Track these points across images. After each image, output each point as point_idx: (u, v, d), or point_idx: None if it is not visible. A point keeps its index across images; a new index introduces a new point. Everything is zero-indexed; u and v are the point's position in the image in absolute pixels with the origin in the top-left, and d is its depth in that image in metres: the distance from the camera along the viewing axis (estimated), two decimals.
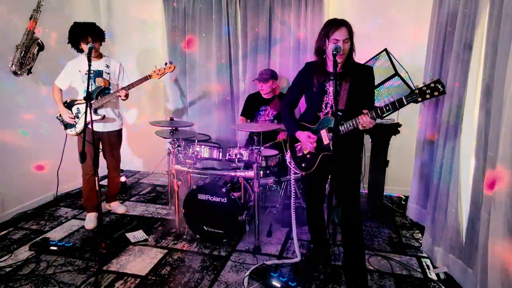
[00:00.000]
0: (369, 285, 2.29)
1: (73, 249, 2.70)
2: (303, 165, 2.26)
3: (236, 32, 3.97)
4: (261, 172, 2.70)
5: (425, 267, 2.51)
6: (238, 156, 2.76)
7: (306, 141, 2.16)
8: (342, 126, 2.02)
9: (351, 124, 1.99)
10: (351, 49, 2.06)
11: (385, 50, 3.07)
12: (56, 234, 3.02)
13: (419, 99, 1.77)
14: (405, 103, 1.81)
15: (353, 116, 1.97)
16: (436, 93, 1.74)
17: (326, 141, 2.12)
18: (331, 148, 2.08)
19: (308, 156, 2.22)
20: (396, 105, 1.83)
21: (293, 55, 3.85)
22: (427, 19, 3.08)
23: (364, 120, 1.91)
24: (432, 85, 1.74)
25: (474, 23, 2.10)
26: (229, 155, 2.81)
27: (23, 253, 2.68)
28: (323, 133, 2.13)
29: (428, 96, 1.76)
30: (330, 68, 2.10)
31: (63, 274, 2.41)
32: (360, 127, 1.95)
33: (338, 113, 2.04)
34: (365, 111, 1.92)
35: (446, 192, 2.37)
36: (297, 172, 2.33)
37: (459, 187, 2.22)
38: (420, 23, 3.26)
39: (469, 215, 2.13)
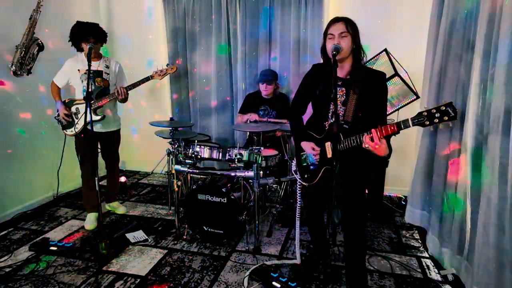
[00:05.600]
0: (369, 285, 2.29)
1: (73, 249, 2.70)
2: (306, 176, 2.15)
3: (236, 32, 3.98)
4: (261, 172, 2.69)
5: (425, 267, 2.51)
6: (238, 156, 2.76)
7: (309, 152, 2.06)
8: (345, 142, 1.89)
9: (354, 140, 1.86)
10: (357, 49, 1.91)
11: (385, 50, 3.07)
12: (56, 234, 3.02)
13: (427, 122, 1.63)
14: (411, 125, 1.68)
15: (360, 130, 1.83)
16: (446, 118, 1.59)
17: (329, 154, 1.99)
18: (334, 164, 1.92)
19: (311, 167, 2.11)
20: (401, 126, 1.71)
21: (293, 55, 3.85)
22: (427, 19, 3.08)
23: (367, 142, 1.76)
24: (443, 108, 1.59)
25: (476, 23, 2.10)
26: (229, 155, 2.81)
27: (23, 253, 2.68)
28: (327, 145, 2.00)
29: (436, 120, 1.61)
30: (339, 73, 1.96)
31: (63, 274, 2.41)
32: (364, 146, 1.80)
33: (344, 126, 1.94)
34: (373, 130, 1.77)
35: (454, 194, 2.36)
36: (302, 182, 2.20)
37: (467, 188, 2.21)
38: (420, 23, 3.26)
39: (471, 215, 2.12)
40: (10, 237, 2.95)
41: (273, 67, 3.91)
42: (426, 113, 1.64)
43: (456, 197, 2.31)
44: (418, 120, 1.66)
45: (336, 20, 1.91)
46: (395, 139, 3.19)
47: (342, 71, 1.99)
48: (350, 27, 1.88)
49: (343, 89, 1.98)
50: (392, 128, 1.73)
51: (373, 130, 1.76)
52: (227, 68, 4.10)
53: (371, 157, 1.88)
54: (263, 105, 3.58)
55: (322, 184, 2.09)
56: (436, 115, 1.61)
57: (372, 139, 1.76)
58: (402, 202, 3.65)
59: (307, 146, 2.07)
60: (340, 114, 1.97)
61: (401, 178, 3.73)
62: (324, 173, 2.05)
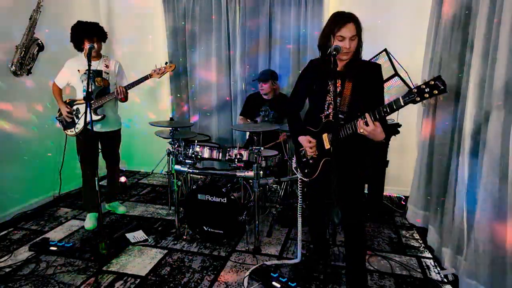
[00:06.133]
0: (369, 285, 2.29)
1: (73, 250, 2.70)
2: (306, 170, 2.15)
3: (236, 32, 3.98)
4: (261, 172, 2.69)
5: (425, 267, 2.51)
6: (238, 156, 2.76)
7: (306, 146, 2.05)
8: (342, 130, 1.89)
9: (349, 128, 1.85)
10: (359, 46, 1.90)
11: (385, 50, 3.07)
12: (56, 234, 3.02)
13: (418, 98, 1.59)
14: (402, 103, 1.64)
15: (355, 119, 1.82)
16: (436, 92, 1.54)
17: (327, 145, 1.99)
18: (332, 153, 1.93)
19: (311, 161, 2.11)
20: (393, 106, 1.67)
21: (293, 55, 3.85)
22: (427, 19, 3.08)
23: (360, 125, 1.76)
24: (432, 82, 1.55)
25: (475, 23, 2.10)
26: (229, 155, 2.81)
27: (23, 253, 2.67)
28: (325, 137, 2.01)
29: (427, 95, 1.56)
30: (336, 69, 1.97)
31: (63, 274, 2.41)
32: (359, 131, 1.79)
33: (340, 115, 1.94)
34: (367, 114, 1.75)
35: (453, 194, 2.37)
36: (303, 178, 2.21)
37: (464, 188, 2.21)
38: (420, 23, 3.26)
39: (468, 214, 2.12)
40: (10, 237, 2.95)
41: (273, 67, 3.91)
42: (416, 90, 1.60)
43: None
44: (409, 97, 1.62)
45: (346, 21, 1.83)
46: (395, 139, 3.23)
47: (340, 64, 1.99)
48: (358, 27, 1.86)
49: (339, 80, 1.98)
50: (384, 109, 1.71)
51: (366, 114, 1.75)
52: (227, 68, 4.10)
53: (367, 144, 1.88)
54: (264, 106, 3.58)
55: (322, 179, 2.09)
56: (426, 90, 1.57)
57: (366, 123, 1.74)
58: (402, 202, 3.65)
59: (304, 140, 2.07)
60: (334, 104, 1.94)
61: (401, 178, 3.74)
62: (324, 165, 2.05)
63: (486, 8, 1.96)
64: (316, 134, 2.06)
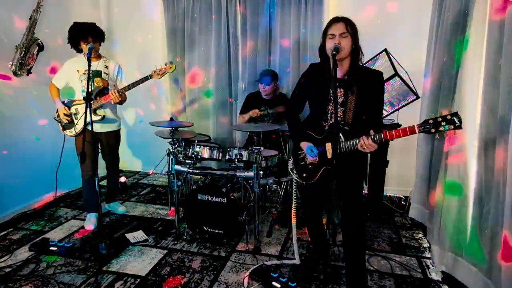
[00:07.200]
0: (369, 285, 2.29)
1: (73, 249, 2.70)
2: (304, 174, 2.15)
3: (236, 32, 3.97)
4: (261, 172, 2.69)
5: (425, 267, 2.51)
6: (238, 156, 2.75)
7: (308, 153, 2.06)
8: (343, 144, 1.90)
9: (351, 144, 1.88)
10: (356, 50, 1.92)
11: (385, 50, 3.07)
12: (56, 234, 3.02)
13: (433, 130, 1.66)
14: (417, 132, 1.70)
15: (361, 131, 1.85)
16: (451, 127, 1.61)
17: (329, 155, 1.99)
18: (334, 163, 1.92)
19: (310, 166, 2.11)
20: (407, 132, 1.72)
21: (293, 55, 3.85)
22: (427, 19, 3.08)
23: (366, 143, 1.79)
24: (449, 117, 1.61)
25: (471, 23, 2.10)
26: (229, 155, 2.81)
27: (23, 253, 2.67)
28: (328, 146, 2.00)
29: (442, 128, 1.63)
30: (337, 73, 1.95)
31: (63, 274, 2.41)
32: (360, 149, 1.83)
33: (345, 127, 1.95)
34: (371, 132, 1.79)
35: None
36: (298, 180, 2.22)
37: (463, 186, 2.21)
38: (420, 23, 3.26)
39: (472, 212, 2.12)
40: (10, 237, 2.95)
41: (273, 67, 3.91)
42: (432, 121, 1.66)
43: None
44: (424, 127, 1.69)
45: (336, 20, 1.92)
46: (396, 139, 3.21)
47: (340, 72, 1.99)
48: (350, 27, 1.89)
49: (341, 90, 1.98)
50: (397, 133, 1.76)
51: (371, 132, 1.81)
52: (227, 68, 4.10)
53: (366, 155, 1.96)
54: (263, 105, 3.58)
55: (321, 186, 2.10)
56: (442, 123, 1.64)
57: (368, 138, 1.81)
58: (402, 202, 3.65)
59: (307, 147, 2.07)
60: (339, 115, 1.96)
61: (401, 178, 3.73)
62: (324, 172, 2.06)
63: (481, 7, 1.96)
64: (318, 141, 2.06)
